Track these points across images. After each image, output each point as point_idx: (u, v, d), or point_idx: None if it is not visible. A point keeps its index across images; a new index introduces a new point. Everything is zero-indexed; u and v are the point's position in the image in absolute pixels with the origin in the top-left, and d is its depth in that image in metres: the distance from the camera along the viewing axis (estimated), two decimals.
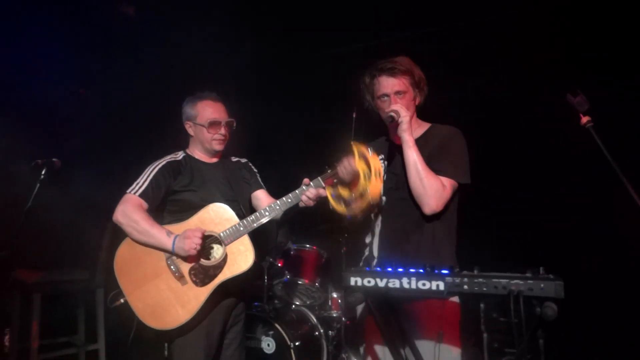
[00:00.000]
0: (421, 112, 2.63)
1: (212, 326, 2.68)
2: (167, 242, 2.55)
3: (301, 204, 2.64)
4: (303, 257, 4.20)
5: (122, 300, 2.62)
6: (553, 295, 1.78)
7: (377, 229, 2.57)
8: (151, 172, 2.72)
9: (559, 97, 2.27)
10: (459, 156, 2.43)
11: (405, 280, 1.97)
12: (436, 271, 1.96)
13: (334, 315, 4.27)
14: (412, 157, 2.33)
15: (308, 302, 4.33)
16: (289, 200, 2.64)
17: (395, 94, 2.45)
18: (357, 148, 2.37)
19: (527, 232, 3.97)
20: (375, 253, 2.55)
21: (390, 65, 2.43)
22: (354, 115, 4.02)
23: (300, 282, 4.12)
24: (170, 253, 2.59)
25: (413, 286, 1.95)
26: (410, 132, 2.35)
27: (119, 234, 2.76)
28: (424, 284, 1.94)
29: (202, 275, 2.60)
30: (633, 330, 3.53)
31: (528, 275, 1.87)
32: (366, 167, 2.33)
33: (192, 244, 2.49)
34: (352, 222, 2.68)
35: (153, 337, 2.62)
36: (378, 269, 2.03)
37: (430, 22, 4.63)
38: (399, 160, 2.48)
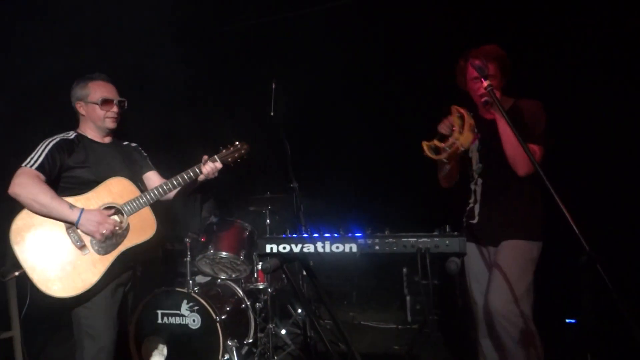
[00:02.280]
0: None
1: (113, 295, 2.71)
2: (70, 215, 2.57)
3: (201, 177, 2.88)
4: (226, 230, 4.17)
5: (16, 273, 2.58)
6: (457, 250, 1.90)
7: (479, 189, 2.94)
8: (46, 147, 2.70)
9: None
10: (542, 125, 2.76)
11: (319, 245, 2.02)
12: (349, 234, 2.02)
13: (260, 287, 4.29)
14: (506, 130, 2.67)
15: (233, 276, 4.32)
16: (189, 174, 2.86)
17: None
18: (455, 108, 2.74)
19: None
20: (477, 212, 2.93)
21: (481, 53, 2.76)
22: (273, 87, 4.03)
23: (224, 256, 4.10)
24: (74, 226, 2.60)
25: (327, 250, 2.01)
26: (501, 107, 2.54)
27: (14, 209, 2.64)
28: (337, 247, 2.00)
29: (105, 244, 2.64)
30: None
31: (435, 233, 1.97)
32: (461, 122, 2.69)
33: (102, 228, 2.59)
34: (450, 185, 3.06)
35: (49, 311, 2.60)
36: (293, 235, 2.06)
37: None
38: (489, 131, 2.85)
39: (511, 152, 2.70)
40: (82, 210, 2.59)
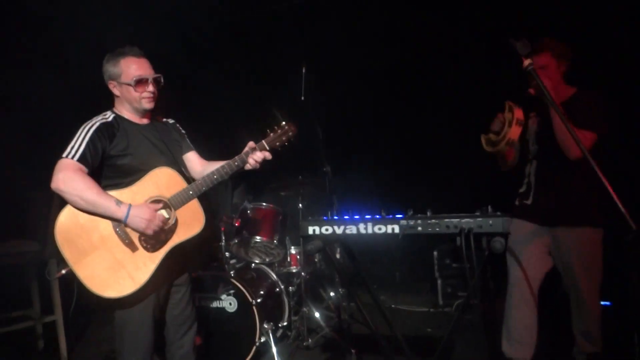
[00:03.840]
0: None
1: (159, 288, 2.62)
2: (118, 212, 2.42)
3: (247, 167, 2.66)
4: (260, 215, 4.21)
5: (63, 272, 2.46)
6: (501, 230, 1.89)
7: (533, 170, 3.06)
8: (86, 134, 2.49)
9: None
10: (597, 112, 2.82)
11: (362, 226, 2.03)
12: (391, 216, 2.02)
13: (294, 271, 4.34)
14: (557, 116, 2.73)
15: (267, 260, 4.37)
16: (236, 163, 2.63)
17: (539, 69, 2.80)
18: (508, 104, 2.91)
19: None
20: (531, 193, 3.04)
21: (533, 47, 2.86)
22: (303, 72, 4.02)
23: (258, 240, 4.14)
24: (121, 223, 2.48)
25: (370, 231, 2.02)
26: (552, 96, 2.64)
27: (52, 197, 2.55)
28: (379, 228, 2.01)
29: (153, 241, 2.53)
30: None
31: (477, 214, 1.96)
32: (511, 116, 2.85)
33: (152, 226, 2.45)
34: (510, 168, 3.18)
35: (104, 305, 2.55)
36: (335, 217, 2.07)
37: None
38: (547, 117, 2.91)
39: (562, 137, 2.78)
40: (130, 206, 2.43)
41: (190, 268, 2.89)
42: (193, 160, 2.87)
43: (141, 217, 2.43)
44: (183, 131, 2.96)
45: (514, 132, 2.83)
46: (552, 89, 2.76)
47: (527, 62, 2.28)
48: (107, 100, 2.78)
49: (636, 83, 3.80)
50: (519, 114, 2.84)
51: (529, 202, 3.04)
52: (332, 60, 4.82)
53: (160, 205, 2.56)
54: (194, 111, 3.13)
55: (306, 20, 4.94)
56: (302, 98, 3.96)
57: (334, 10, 4.66)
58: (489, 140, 3.08)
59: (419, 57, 4.94)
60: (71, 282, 2.52)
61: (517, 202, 3.13)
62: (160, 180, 2.58)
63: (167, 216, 2.57)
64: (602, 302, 3.90)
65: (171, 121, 2.95)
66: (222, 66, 5.25)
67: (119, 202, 2.43)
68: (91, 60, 3.99)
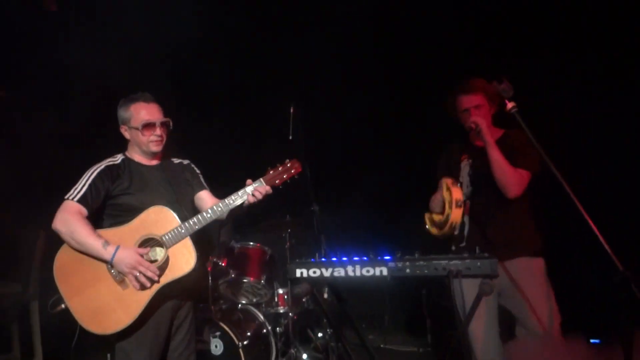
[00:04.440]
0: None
1: (157, 330, 2.63)
2: (104, 254, 2.51)
3: (246, 204, 2.65)
4: (247, 254, 4.18)
5: (63, 306, 2.57)
6: (489, 272, 1.88)
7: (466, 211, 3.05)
8: (90, 176, 2.65)
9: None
10: (531, 151, 2.79)
11: (350, 269, 2.02)
12: (379, 258, 2.02)
13: (281, 311, 4.27)
14: (495, 155, 2.82)
15: (254, 300, 4.31)
16: (231, 201, 2.63)
17: (474, 108, 2.97)
18: (445, 183, 2.96)
19: None
20: (466, 233, 3.03)
21: (467, 86, 3.02)
22: (292, 111, 4.06)
23: (245, 280, 4.09)
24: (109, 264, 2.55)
25: (358, 274, 2.00)
26: (490, 135, 2.88)
27: (53, 243, 2.66)
28: (368, 271, 2.00)
29: (144, 279, 2.53)
30: None
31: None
32: (450, 197, 2.88)
33: (135, 271, 2.49)
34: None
35: (96, 344, 2.56)
36: (323, 259, 2.06)
37: None
38: (479, 158, 3.00)
39: (501, 177, 2.82)
40: (117, 249, 2.50)
41: (189, 308, 2.87)
42: (205, 199, 2.87)
43: (125, 261, 2.49)
44: (197, 171, 3.01)
45: (456, 215, 2.86)
46: (488, 131, 2.89)
47: (510, 105, 2.32)
48: (102, 143, 2.87)
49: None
50: (457, 194, 2.87)
51: (463, 244, 3.02)
52: (322, 99, 4.89)
53: (148, 249, 2.59)
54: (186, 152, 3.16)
55: (295, 59, 5.03)
56: (290, 137, 3.99)
57: (324, 49, 4.75)
58: (431, 220, 3.15)
59: (409, 96, 5.03)
60: (62, 323, 2.61)
61: (453, 248, 3.12)
62: (154, 219, 2.62)
63: (158, 255, 2.59)
64: (592, 340, 3.92)
65: (186, 162, 3.02)
66: (211, 107, 5.30)
67: (105, 244, 2.51)
68: (81, 103, 4.04)
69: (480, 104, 2.99)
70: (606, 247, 1.95)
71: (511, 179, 2.82)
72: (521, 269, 2.84)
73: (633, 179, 3.78)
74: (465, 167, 3.14)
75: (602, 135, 3.85)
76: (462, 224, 3.03)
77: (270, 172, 2.67)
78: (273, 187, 2.66)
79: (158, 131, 2.74)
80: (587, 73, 3.94)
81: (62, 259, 2.60)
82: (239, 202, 2.63)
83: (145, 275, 2.50)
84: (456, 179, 3.08)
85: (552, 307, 2.79)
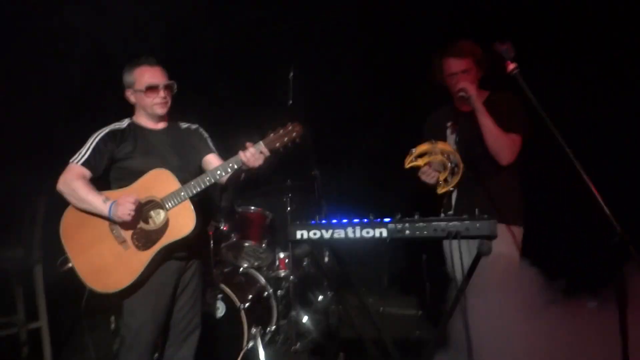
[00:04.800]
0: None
1: (161, 290, 2.70)
2: (104, 208, 2.58)
3: (244, 167, 2.64)
4: (248, 219, 4.20)
5: (70, 264, 2.65)
6: (488, 233, 1.90)
7: (456, 182, 2.86)
8: (93, 140, 2.71)
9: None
10: (520, 115, 2.82)
11: (350, 230, 2.04)
12: (378, 219, 2.03)
13: (282, 274, 4.32)
14: (486, 122, 2.74)
15: (256, 264, 4.35)
16: (231, 164, 2.63)
17: (462, 72, 2.87)
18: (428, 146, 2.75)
19: None
20: (453, 202, 2.97)
21: (455, 49, 2.88)
22: (291, 76, 4.02)
23: (247, 244, 4.13)
24: (108, 219, 2.62)
25: (357, 235, 2.03)
26: (480, 102, 2.78)
27: (57, 207, 2.75)
28: (367, 232, 2.02)
29: (144, 240, 2.62)
30: None
31: (465, 217, 1.97)
32: (442, 155, 2.73)
33: (125, 210, 2.53)
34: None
35: (102, 306, 2.65)
36: (323, 221, 2.08)
37: None
38: (466, 124, 2.92)
39: (493, 143, 2.76)
40: (113, 202, 2.57)
41: (195, 270, 2.92)
42: (212, 162, 2.88)
43: (116, 204, 2.54)
44: (206, 135, 3.02)
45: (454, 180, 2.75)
46: (477, 97, 2.79)
47: (512, 65, 2.28)
48: (108, 107, 2.88)
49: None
50: (445, 146, 2.77)
51: (451, 212, 2.97)
52: (323, 63, 4.83)
53: (147, 203, 2.64)
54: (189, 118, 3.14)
55: (294, 21, 4.95)
56: (290, 102, 3.97)
57: (324, 10, 4.67)
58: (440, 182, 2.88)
59: (412, 57, 4.95)
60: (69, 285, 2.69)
61: (441, 214, 2.99)
62: (154, 182, 2.66)
63: (160, 217, 2.64)
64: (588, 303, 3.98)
65: (194, 126, 3.03)
66: (212, 72, 5.24)
67: (105, 200, 2.60)
68: (84, 67, 3.99)
69: (469, 68, 2.89)
70: (605, 208, 1.96)
71: (504, 145, 2.76)
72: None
73: (631, 139, 3.75)
74: (451, 134, 3.06)
75: (598, 94, 3.79)
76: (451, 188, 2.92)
77: (271, 135, 2.63)
78: (275, 150, 2.63)
79: (162, 93, 2.76)
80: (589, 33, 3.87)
81: (68, 219, 2.70)
82: (237, 165, 2.62)
83: (129, 209, 2.52)
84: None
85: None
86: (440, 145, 2.71)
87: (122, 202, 2.54)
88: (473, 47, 2.90)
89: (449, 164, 2.73)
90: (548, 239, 3.03)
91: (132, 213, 2.54)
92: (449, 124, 3.08)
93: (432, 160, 2.74)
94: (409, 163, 2.74)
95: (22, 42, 4.29)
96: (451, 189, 2.83)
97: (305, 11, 4.72)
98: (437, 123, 3.15)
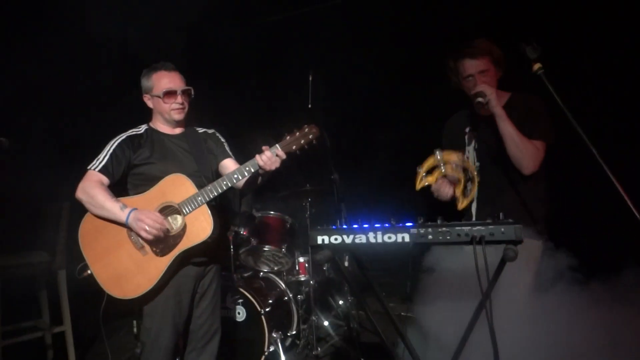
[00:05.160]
0: None
1: (179, 295, 2.70)
2: (121, 215, 2.57)
3: (261, 171, 2.62)
4: (268, 224, 4.21)
5: (89, 272, 2.66)
6: (513, 238, 1.85)
7: (475, 192, 2.71)
8: (111, 147, 2.72)
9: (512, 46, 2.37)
10: (545, 120, 2.61)
11: (371, 235, 2.00)
12: (401, 224, 2.00)
13: (302, 279, 4.32)
14: (507, 128, 2.53)
15: (276, 269, 4.36)
16: (247, 168, 2.61)
17: (479, 74, 2.66)
18: (433, 160, 2.47)
19: None
20: (474, 213, 2.76)
21: (472, 51, 2.66)
22: (310, 79, 4.01)
23: (266, 249, 4.14)
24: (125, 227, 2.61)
25: (379, 240, 1.99)
26: (500, 106, 2.56)
27: (79, 213, 2.76)
28: (389, 237, 1.98)
29: (162, 245, 2.61)
30: None
31: (488, 221, 1.93)
32: (451, 166, 2.49)
33: (152, 231, 2.51)
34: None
35: (124, 311, 2.65)
36: (344, 226, 2.05)
37: None
38: (486, 129, 2.70)
39: (515, 152, 2.55)
40: (132, 210, 2.56)
41: (214, 275, 2.92)
42: (229, 167, 2.88)
43: (140, 220, 2.52)
44: (222, 140, 3.02)
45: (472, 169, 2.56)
46: (497, 102, 2.57)
47: (536, 66, 2.23)
48: (127, 113, 2.88)
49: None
50: (456, 157, 2.51)
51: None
52: (341, 67, 4.82)
53: (168, 211, 2.63)
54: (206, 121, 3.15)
55: (314, 27, 4.95)
56: (310, 105, 3.96)
57: (344, 16, 4.66)
58: (458, 196, 2.64)
59: (430, 62, 4.91)
60: (91, 290, 2.67)
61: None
62: (171, 187, 2.66)
63: (177, 222, 2.63)
64: None
65: (210, 131, 3.04)
66: (231, 76, 5.26)
67: (123, 207, 2.58)
68: (104, 75, 4.02)
69: (486, 69, 2.67)
70: (634, 210, 1.90)
71: (527, 153, 2.54)
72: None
73: None
74: (470, 140, 2.84)
75: (623, 96, 3.68)
76: (471, 200, 2.74)
77: (287, 138, 2.61)
78: (291, 153, 2.61)
79: (179, 99, 2.77)
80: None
81: (86, 226, 2.70)
82: (254, 169, 2.60)
83: (154, 228, 2.51)
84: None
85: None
86: (446, 156, 2.47)
87: (148, 219, 2.51)
88: (490, 46, 2.69)
89: (462, 175, 2.51)
90: (576, 251, 2.87)
91: (153, 231, 2.51)
92: (467, 129, 2.89)
93: (445, 173, 2.50)
94: (419, 184, 2.52)
95: (48, 48, 4.37)
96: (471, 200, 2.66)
97: (324, 15, 4.72)
98: (455, 129, 2.96)
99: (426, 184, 2.50)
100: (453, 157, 2.47)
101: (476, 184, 2.60)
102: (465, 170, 2.51)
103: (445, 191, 2.71)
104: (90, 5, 4.28)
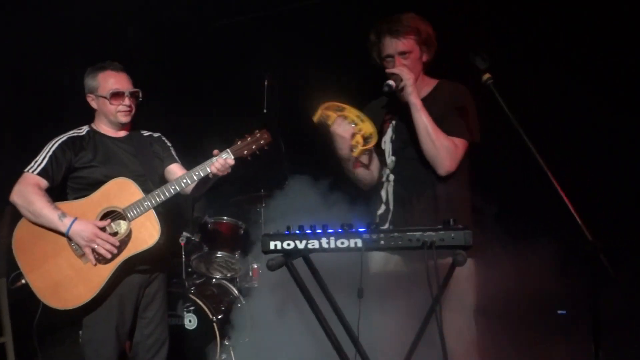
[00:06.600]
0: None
1: (122, 305, 2.60)
2: (60, 226, 2.45)
3: (211, 176, 2.58)
4: (221, 229, 4.15)
5: (23, 281, 2.51)
6: (463, 243, 1.88)
7: (390, 188, 2.49)
8: (50, 148, 2.58)
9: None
10: (468, 114, 2.39)
11: (324, 240, 1.99)
12: (353, 230, 2.00)
13: (256, 285, 4.26)
14: (422, 120, 2.28)
15: (229, 275, 4.28)
16: (197, 172, 2.56)
17: (399, 55, 2.36)
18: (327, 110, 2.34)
19: None
20: (389, 216, 2.49)
21: (394, 27, 2.34)
22: (266, 83, 3.99)
23: (219, 255, 4.07)
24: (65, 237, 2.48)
25: (332, 245, 1.98)
26: (416, 94, 2.30)
27: (18, 217, 2.61)
28: (342, 243, 1.97)
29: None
30: None
31: (439, 227, 1.96)
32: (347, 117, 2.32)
33: (92, 244, 2.44)
34: (368, 186, 2.64)
35: (64, 320, 2.53)
36: (297, 231, 2.04)
37: None
38: (406, 120, 2.41)
39: (429, 147, 2.30)
40: (73, 221, 2.45)
41: (160, 283, 2.84)
42: (175, 172, 2.80)
43: (82, 234, 2.43)
44: (169, 144, 2.93)
45: (368, 127, 2.32)
46: (414, 88, 2.31)
47: (486, 76, 2.20)
48: (68, 115, 2.75)
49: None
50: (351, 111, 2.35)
51: (385, 227, 2.45)
52: (296, 71, 4.80)
53: (108, 221, 2.53)
54: (159, 125, 3.07)
55: (269, 31, 4.92)
56: (265, 110, 3.94)
57: (297, 20, 4.65)
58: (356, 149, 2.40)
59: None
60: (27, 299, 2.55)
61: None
62: (116, 191, 2.56)
63: (121, 228, 2.53)
64: (559, 311, 4.02)
65: (156, 134, 2.94)
66: (184, 78, 5.17)
67: (62, 216, 2.45)
68: (44, 72, 3.87)
69: (409, 51, 2.35)
70: (576, 217, 1.97)
71: (442, 150, 2.29)
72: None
73: (603, 147, 3.70)
74: (388, 129, 2.52)
75: (567, 102, 3.79)
76: (387, 202, 2.48)
77: (238, 143, 2.57)
78: (242, 158, 2.57)
79: (127, 101, 2.68)
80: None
81: (21, 232, 2.55)
82: (203, 174, 2.55)
83: (103, 248, 2.43)
84: (379, 145, 2.50)
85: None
86: (347, 106, 2.28)
87: (92, 235, 2.43)
88: (417, 23, 2.36)
89: (361, 131, 2.29)
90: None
91: (97, 239, 2.44)
92: (387, 117, 2.56)
93: (346, 115, 2.31)
94: (317, 116, 2.33)
95: None
96: (385, 181, 2.44)
97: (282, 17, 4.70)
98: (375, 113, 2.58)
99: (325, 114, 2.36)
100: (354, 110, 2.31)
101: (372, 144, 2.37)
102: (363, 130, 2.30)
103: (345, 129, 2.37)
104: None
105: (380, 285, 2.38)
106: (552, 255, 3.26)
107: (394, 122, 2.51)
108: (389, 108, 2.58)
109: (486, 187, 3.20)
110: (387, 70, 2.35)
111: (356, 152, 2.39)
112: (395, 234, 1.95)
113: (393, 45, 2.37)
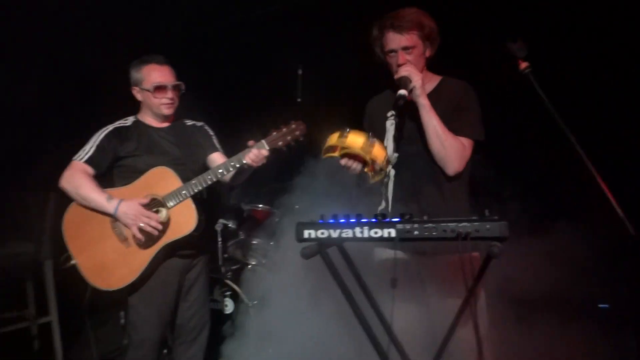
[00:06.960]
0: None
1: (165, 287, 2.71)
2: (108, 206, 2.58)
3: (246, 166, 2.64)
4: (256, 216, 4.21)
5: (72, 262, 2.66)
6: (498, 234, 1.87)
7: (391, 184, 2.45)
8: (97, 138, 2.72)
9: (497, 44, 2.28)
10: (474, 113, 2.40)
11: (357, 230, 2.01)
12: (387, 219, 2.01)
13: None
14: (432, 122, 2.27)
15: (264, 261, 4.35)
16: (232, 163, 2.63)
17: (403, 50, 2.36)
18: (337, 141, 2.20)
19: None
20: (390, 203, 2.45)
21: (397, 22, 2.33)
22: (300, 73, 4.00)
23: (254, 242, 4.13)
24: (113, 218, 2.61)
25: (366, 235, 1.99)
26: (425, 95, 2.29)
27: (64, 203, 2.77)
28: (376, 232, 1.99)
29: (146, 238, 2.61)
30: None
31: (474, 218, 1.94)
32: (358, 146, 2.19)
33: (138, 222, 2.55)
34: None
35: (110, 302, 2.66)
36: (331, 220, 2.06)
37: None
38: (410, 117, 2.41)
39: (439, 148, 2.29)
40: (120, 202, 2.57)
41: (201, 268, 2.94)
42: (217, 160, 2.88)
43: (128, 213, 2.56)
44: (211, 133, 3.02)
45: (380, 153, 2.21)
46: (423, 90, 2.29)
47: (524, 64, 2.20)
48: (115, 105, 2.90)
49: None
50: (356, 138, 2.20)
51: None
52: (331, 61, 4.79)
53: (150, 198, 2.65)
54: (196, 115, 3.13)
55: (303, 21, 4.91)
56: (299, 99, 3.95)
57: (333, 10, 4.62)
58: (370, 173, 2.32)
59: None
60: (75, 282, 2.70)
61: None
62: (156, 180, 2.67)
63: (162, 215, 2.64)
64: (600, 305, 3.93)
65: (199, 124, 3.03)
66: (219, 68, 5.22)
67: (109, 198, 2.60)
68: (90, 63, 3.98)
69: (412, 46, 2.34)
70: (619, 210, 1.92)
71: (452, 151, 2.29)
72: (444, 269, 2.27)
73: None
74: (391, 126, 2.47)
75: (609, 90, 3.66)
76: (386, 198, 2.44)
77: (273, 134, 2.62)
78: (277, 149, 2.62)
79: (170, 94, 2.76)
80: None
81: (70, 216, 2.71)
82: (238, 164, 2.61)
83: (149, 225, 2.55)
84: (381, 143, 2.37)
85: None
86: (349, 142, 2.16)
87: (138, 213, 2.56)
88: (420, 18, 2.35)
89: (370, 162, 2.21)
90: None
91: (143, 217, 2.55)
92: (389, 113, 2.48)
93: (350, 152, 2.22)
94: (325, 153, 2.27)
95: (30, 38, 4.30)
96: (386, 177, 2.37)
97: (315, 8, 4.68)
98: (376, 111, 2.60)
99: (331, 155, 2.26)
100: (356, 145, 2.17)
101: (385, 170, 2.30)
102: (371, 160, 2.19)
103: (353, 167, 2.30)
104: None
105: (384, 275, 2.33)
106: (591, 249, 3.20)
107: (397, 119, 2.47)
108: (391, 104, 2.49)
109: (525, 179, 3.16)
110: (396, 77, 2.33)
111: (371, 180, 2.34)
112: (430, 224, 1.95)
113: (396, 40, 2.36)
